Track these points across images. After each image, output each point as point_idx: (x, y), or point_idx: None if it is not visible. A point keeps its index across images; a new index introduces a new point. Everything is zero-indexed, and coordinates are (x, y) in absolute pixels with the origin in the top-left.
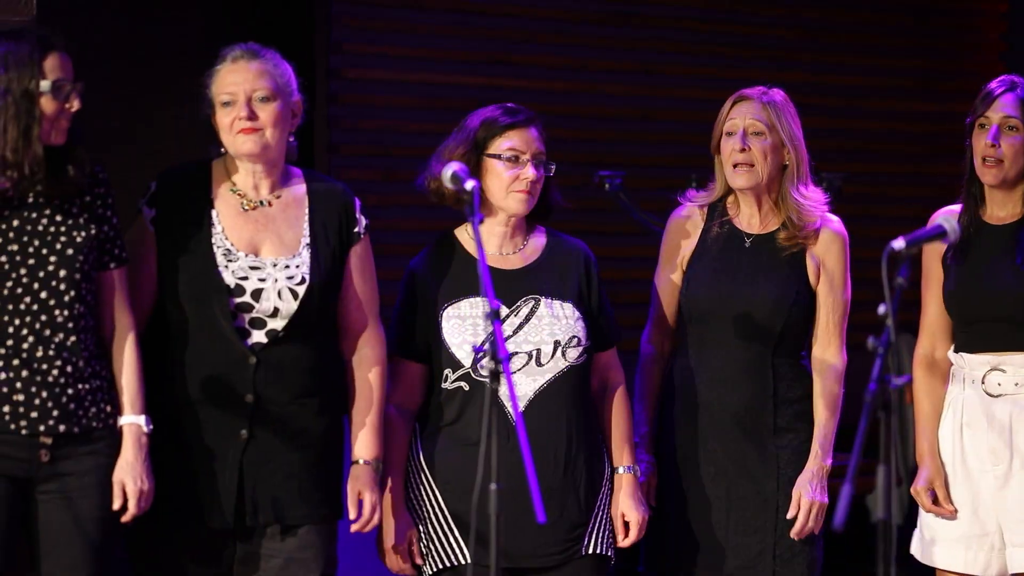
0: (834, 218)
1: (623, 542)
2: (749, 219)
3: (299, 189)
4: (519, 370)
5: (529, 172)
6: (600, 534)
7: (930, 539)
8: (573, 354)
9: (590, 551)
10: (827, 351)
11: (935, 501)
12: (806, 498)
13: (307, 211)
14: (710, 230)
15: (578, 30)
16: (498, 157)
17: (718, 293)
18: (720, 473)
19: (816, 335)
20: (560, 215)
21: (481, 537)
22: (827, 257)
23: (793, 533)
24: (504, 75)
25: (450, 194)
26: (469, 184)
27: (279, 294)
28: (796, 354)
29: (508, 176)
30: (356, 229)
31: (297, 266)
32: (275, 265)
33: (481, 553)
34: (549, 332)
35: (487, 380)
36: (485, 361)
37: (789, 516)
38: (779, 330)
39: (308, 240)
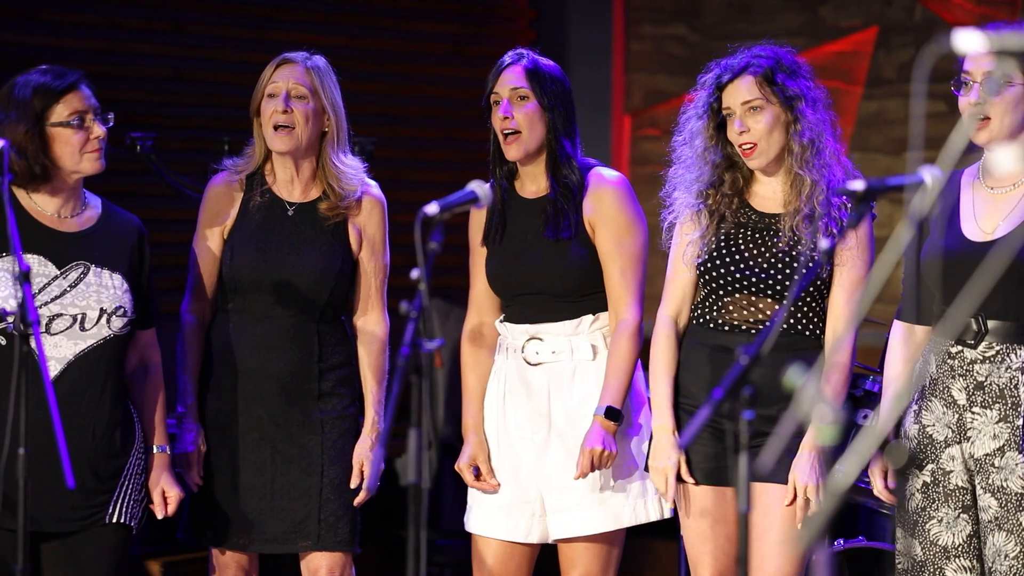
0: (372, 183)
1: (162, 515)
2: (289, 186)
3: None
4: (62, 331)
5: (98, 130)
6: (125, 504)
7: (473, 507)
8: (118, 324)
9: (114, 520)
10: (370, 319)
11: (479, 476)
12: (371, 464)
13: None
14: (251, 200)
15: None
16: (67, 125)
17: (262, 264)
18: (265, 439)
19: (358, 302)
20: (92, 178)
21: (8, 501)
22: (368, 224)
23: (357, 502)
24: (35, 32)
25: None
26: None
27: None
28: (338, 319)
29: (78, 139)
30: None
31: None
32: None
33: (7, 517)
34: (96, 299)
35: (16, 341)
36: (13, 322)
37: (354, 484)
38: (324, 299)
39: None
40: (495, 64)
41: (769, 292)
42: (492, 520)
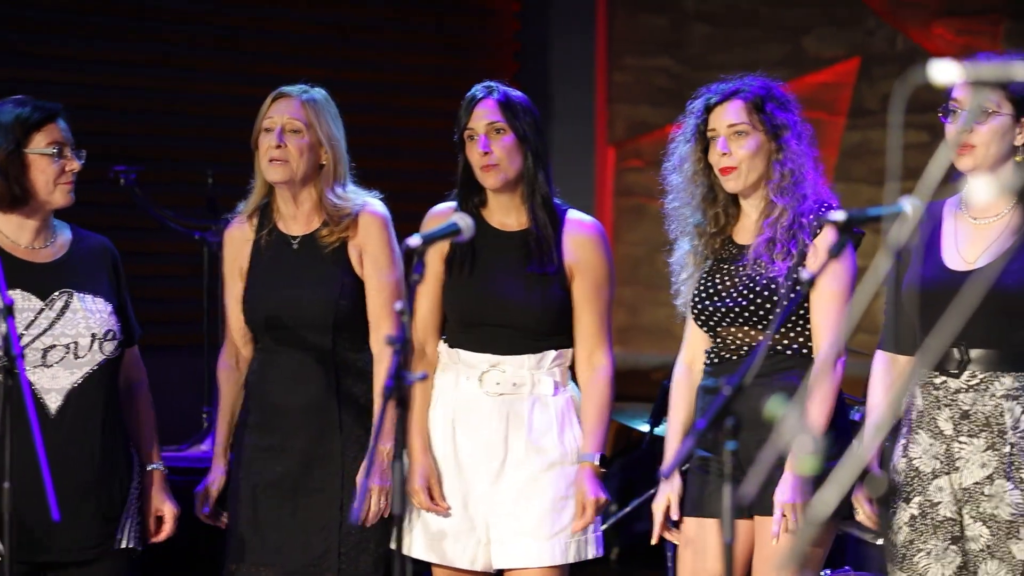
0: (373, 200)
1: (157, 537)
2: (292, 220)
3: None
4: (57, 363)
5: (74, 164)
6: (131, 528)
7: (416, 531)
8: (109, 347)
9: (122, 545)
10: (380, 334)
11: (432, 499)
12: (375, 486)
13: None
14: (261, 239)
15: (95, 21)
16: (45, 154)
17: (272, 301)
18: (287, 473)
19: (370, 320)
20: (76, 211)
21: (20, 534)
22: (367, 241)
23: (360, 520)
24: (20, 67)
25: None
26: None
27: None
28: (360, 349)
29: (54, 169)
30: None
31: None
32: None
33: (19, 552)
34: (85, 325)
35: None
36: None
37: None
38: (332, 325)
39: None
40: (466, 98)
41: (744, 320)
42: (439, 546)
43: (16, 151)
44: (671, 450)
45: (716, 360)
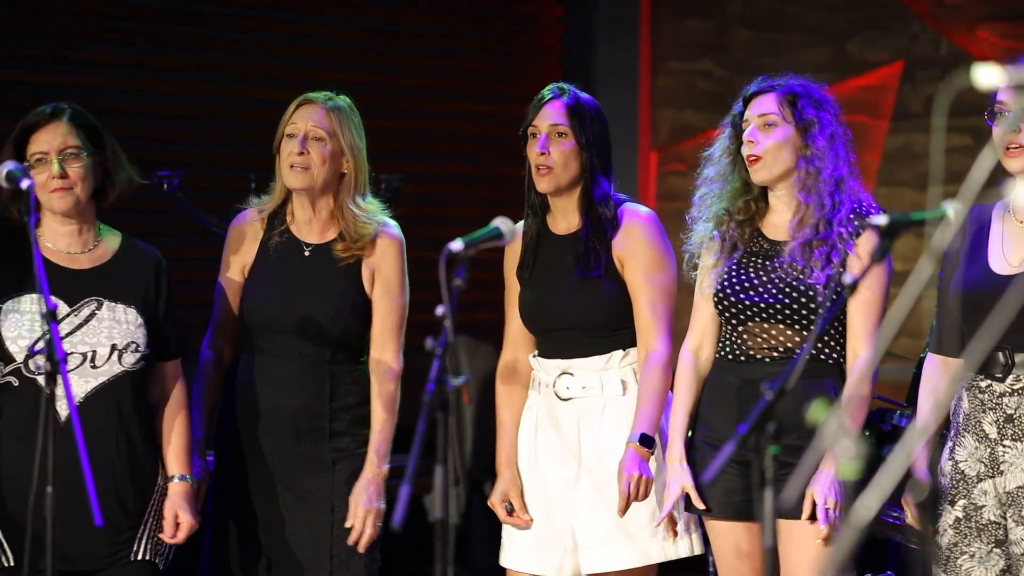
0: (391, 223)
1: (171, 539)
2: (308, 227)
3: None
4: (73, 370)
5: (54, 169)
6: (149, 540)
7: (506, 542)
8: (130, 359)
9: (139, 556)
10: (384, 354)
11: (512, 512)
12: (361, 507)
13: None
14: (270, 239)
15: (138, 27)
16: (29, 165)
17: (276, 304)
18: (276, 477)
19: (373, 339)
20: (118, 217)
21: (37, 539)
22: (382, 264)
23: (349, 541)
24: (63, 72)
25: (8, 193)
26: (25, 183)
27: None
28: (355, 360)
29: (43, 177)
30: None
31: None
32: None
33: (37, 555)
34: (107, 335)
35: (43, 380)
36: (41, 362)
37: (347, 525)
38: (336, 339)
39: None
40: (536, 96)
41: (780, 319)
42: (525, 555)
43: (19, 160)
44: (676, 437)
45: (741, 357)
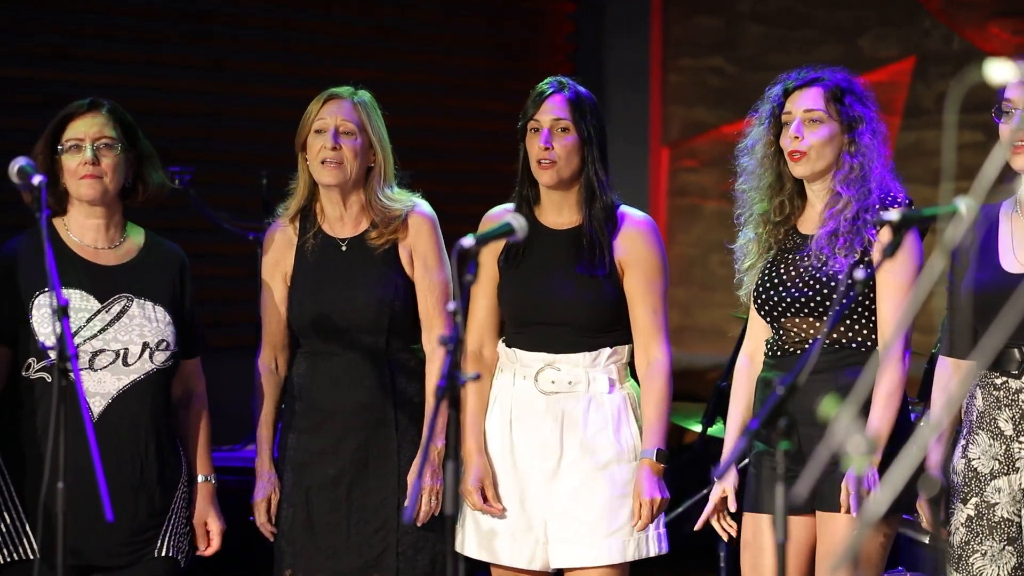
0: (420, 201)
1: (205, 551)
2: (340, 222)
3: None
4: (105, 367)
5: (87, 155)
6: (172, 537)
7: (473, 531)
8: (161, 357)
9: (162, 553)
10: (432, 333)
11: (485, 499)
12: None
13: None
14: (305, 242)
15: (149, 25)
16: (66, 150)
17: (320, 304)
18: (341, 475)
19: (422, 319)
20: (132, 212)
21: (49, 533)
22: (418, 242)
23: (405, 519)
24: (73, 71)
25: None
26: (37, 179)
27: None
28: (410, 348)
29: (74, 163)
30: None
31: None
32: None
33: (49, 549)
34: (139, 333)
35: (50, 377)
36: (53, 357)
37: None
38: (386, 327)
39: None
40: (535, 90)
41: (807, 311)
42: (497, 545)
43: (52, 148)
44: (730, 441)
45: (778, 352)
